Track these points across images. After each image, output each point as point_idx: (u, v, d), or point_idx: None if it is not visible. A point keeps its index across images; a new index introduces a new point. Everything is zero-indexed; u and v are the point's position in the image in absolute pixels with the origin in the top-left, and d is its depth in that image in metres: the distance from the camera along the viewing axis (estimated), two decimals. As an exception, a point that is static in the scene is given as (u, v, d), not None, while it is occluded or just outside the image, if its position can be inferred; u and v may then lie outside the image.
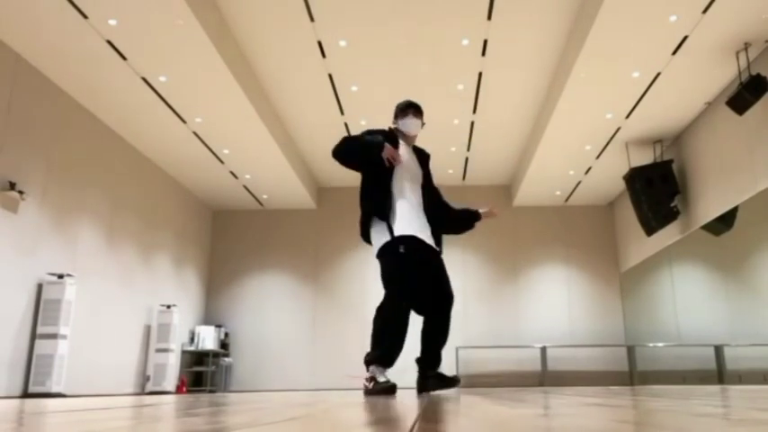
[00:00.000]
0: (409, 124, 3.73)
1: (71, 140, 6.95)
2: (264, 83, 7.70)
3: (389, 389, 3.35)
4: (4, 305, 5.86)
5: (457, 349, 9.59)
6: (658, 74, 6.76)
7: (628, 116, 7.75)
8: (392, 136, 3.70)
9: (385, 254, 3.46)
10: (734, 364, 7.58)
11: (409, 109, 3.73)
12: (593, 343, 10.20)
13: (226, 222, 11.13)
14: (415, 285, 3.47)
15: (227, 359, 10.11)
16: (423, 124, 3.80)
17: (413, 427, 0.99)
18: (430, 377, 3.56)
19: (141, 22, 5.66)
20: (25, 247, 6.15)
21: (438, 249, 3.63)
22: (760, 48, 6.30)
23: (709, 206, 7.60)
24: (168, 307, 8.78)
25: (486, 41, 6.81)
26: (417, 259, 3.45)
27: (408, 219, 3.50)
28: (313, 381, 10.21)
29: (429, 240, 3.55)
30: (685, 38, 6.09)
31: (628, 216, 9.57)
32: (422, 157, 3.84)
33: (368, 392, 3.39)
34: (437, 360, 3.62)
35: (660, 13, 5.70)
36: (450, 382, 3.57)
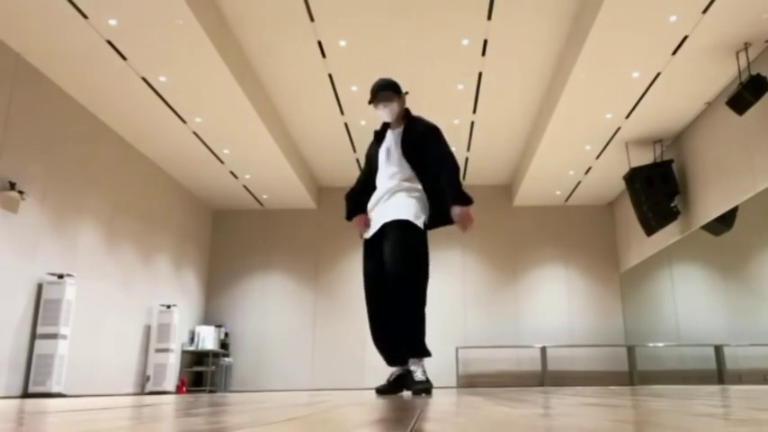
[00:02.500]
0: (380, 116, 3.60)
1: (71, 140, 6.95)
2: (264, 83, 7.70)
3: (378, 390, 3.44)
4: (4, 305, 5.86)
5: (457, 349, 9.59)
6: (658, 74, 6.76)
7: (628, 116, 7.75)
8: (381, 130, 3.66)
9: None
10: (734, 364, 7.58)
11: (372, 100, 3.51)
12: (593, 343, 10.20)
13: (226, 222, 11.13)
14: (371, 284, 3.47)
15: (227, 359, 10.11)
16: (393, 100, 3.47)
17: (413, 427, 0.99)
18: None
19: (141, 22, 5.66)
20: (25, 248, 6.15)
21: (398, 221, 3.28)
22: (760, 48, 6.30)
23: (709, 206, 7.60)
24: (168, 307, 8.78)
25: (486, 41, 6.81)
26: (370, 256, 3.47)
27: (372, 218, 3.51)
28: (313, 381, 10.21)
29: (381, 219, 3.36)
30: (685, 38, 6.09)
31: (628, 216, 9.56)
32: (413, 130, 3.50)
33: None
34: (405, 348, 3.30)
35: (660, 13, 5.70)
36: (384, 390, 3.39)
